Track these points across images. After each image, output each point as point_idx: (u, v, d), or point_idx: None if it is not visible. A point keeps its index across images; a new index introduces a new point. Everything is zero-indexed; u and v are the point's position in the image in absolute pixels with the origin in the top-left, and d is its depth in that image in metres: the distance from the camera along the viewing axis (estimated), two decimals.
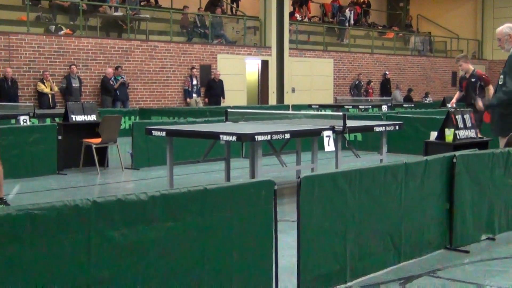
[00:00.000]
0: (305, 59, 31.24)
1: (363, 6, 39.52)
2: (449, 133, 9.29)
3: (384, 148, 11.13)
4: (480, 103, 12.13)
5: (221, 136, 8.80)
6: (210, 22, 28.02)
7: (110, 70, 23.27)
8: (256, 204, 5.21)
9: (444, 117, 9.53)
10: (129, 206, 4.48)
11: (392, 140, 15.70)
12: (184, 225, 4.78)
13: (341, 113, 9.95)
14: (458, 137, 9.31)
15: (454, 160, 7.02)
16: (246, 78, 28.49)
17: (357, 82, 32.86)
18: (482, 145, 9.43)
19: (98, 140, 13.41)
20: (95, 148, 13.37)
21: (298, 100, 29.67)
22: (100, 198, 4.38)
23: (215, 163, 12.88)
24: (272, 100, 29.54)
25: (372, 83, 33.95)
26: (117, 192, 10.01)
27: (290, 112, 17.43)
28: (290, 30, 31.13)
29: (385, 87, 34.34)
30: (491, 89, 13.20)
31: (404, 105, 25.04)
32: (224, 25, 29.18)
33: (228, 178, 10.92)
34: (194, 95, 25.95)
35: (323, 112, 17.72)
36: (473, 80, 13.47)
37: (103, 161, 13.89)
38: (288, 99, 29.80)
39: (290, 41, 30.88)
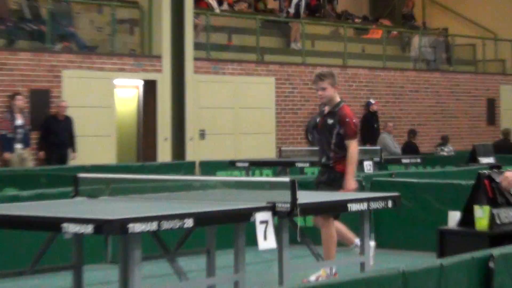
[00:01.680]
0: (224, 78, 20.86)
1: None
2: (481, 214, 7.37)
3: (368, 242, 8.24)
4: None
5: (65, 225, 6.53)
6: (49, 12, 18.91)
7: None
8: None
9: (473, 183, 7.78)
10: None
11: (382, 227, 11.48)
12: None
13: (288, 179, 7.41)
14: (497, 221, 7.49)
15: (492, 265, 5.70)
16: (117, 114, 19.22)
17: (318, 119, 19.58)
18: None
19: None
20: None
21: (211, 152, 19.70)
22: None
23: (55, 275, 9.31)
24: (164, 153, 19.61)
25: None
26: None
27: (196, 177, 13.64)
28: (196, 27, 20.92)
29: (369, 127, 22.58)
30: None
31: (403, 160, 17.73)
32: (75, 18, 19.68)
33: None
34: (18, 146, 17.32)
35: (256, 178, 14.33)
36: None
37: None
38: (194, 152, 19.60)
39: (197, 46, 20.30)
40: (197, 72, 19.42)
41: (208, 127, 19.51)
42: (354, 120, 9.11)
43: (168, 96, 19.24)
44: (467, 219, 7.51)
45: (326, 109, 9.15)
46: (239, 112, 20.52)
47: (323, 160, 9.12)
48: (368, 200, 7.98)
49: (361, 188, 10.68)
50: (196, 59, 19.58)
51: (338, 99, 9.11)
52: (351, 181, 8.93)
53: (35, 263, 7.88)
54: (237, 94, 20.42)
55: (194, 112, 19.40)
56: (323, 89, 8.99)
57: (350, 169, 8.89)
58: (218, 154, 19.11)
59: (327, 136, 9.08)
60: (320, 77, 9.06)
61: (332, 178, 9.03)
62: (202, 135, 18.76)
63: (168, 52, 19.13)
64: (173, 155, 19.23)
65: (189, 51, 19.38)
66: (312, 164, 14.09)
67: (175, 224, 6.85)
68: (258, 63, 21.39)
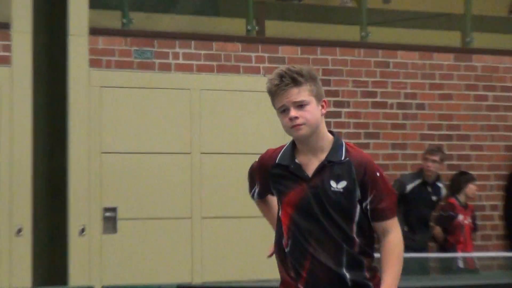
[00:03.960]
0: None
1: None
2: None
3: None
4: None
5: None
6: None
7: None
8: None
9: None
10: None
11: None
12: None
13: None
14: None
15: None
16: None
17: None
18: None
19: None
20: None
21: None
22: None
23: None
24: None
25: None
26: None
27: None
28: None
29: None
30: None
31: None
32: None
33: None
34: None
35: None
36: None
37: None
38: None
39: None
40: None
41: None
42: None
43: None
44: None
45: (306, 161, 3.87)
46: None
47: (329, 274, 3.79)
48: None
49: None
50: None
51: (329, 133, 3.92)
52: None
53: None
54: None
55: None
56: (300, 106, 3.78)
57: (393, 276, 3.78)
58: None
59: (336, 220, 3.79)
60: (294, 78, 3.79)
61: None
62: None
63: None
64: None
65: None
66: None
67: None
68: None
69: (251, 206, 4.52)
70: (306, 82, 3.76)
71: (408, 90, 10.19)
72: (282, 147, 3.93)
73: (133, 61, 9.45)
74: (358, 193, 3.78)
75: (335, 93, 9.86)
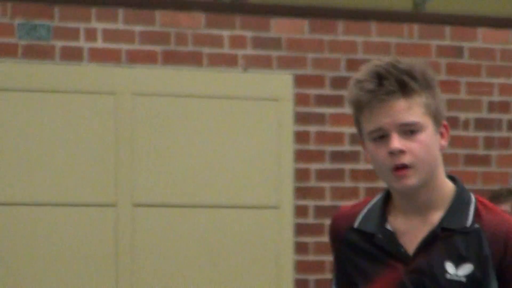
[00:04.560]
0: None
1: None
2: None
3: None
4: None
5: None
6: None
7: None
8: None
9: None
10: None
11: None
12: None
13: None
14: None
15: None
16: None
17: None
18: None
19: None
20: None
21: None
22: None
23: None
24: None
25: None
26: None
27: None
28: None
29: None
30: None
31: None
32: None
33: None
34: None
35: None
36: None
37: None
38: None
39: None
40: None
41: None
42: None
43: None
44: None
45: (405, 226, 2.34)
46: None
47: None
48: None
49: None
50: None
51: (447, 180, 2.35)
52: None
53: None
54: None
55: None
56: (410, 131, 2.20)
57: None
58: None
59: None
60: (404, 82, 2.22)
61: None
62: None
63: None
64: None
65: None
66: None
67: None
68: None
69: None
70: (421, 91, 2.19)
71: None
72: (366, 201, 2.42)
73: (17, 43, 5.69)
74: (493, 285, 2.25)
75: None
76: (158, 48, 5.76)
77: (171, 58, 5.77)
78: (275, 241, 5.80)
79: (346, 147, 5.94)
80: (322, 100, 5.89)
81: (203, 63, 5.80)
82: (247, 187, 5.80)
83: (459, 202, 2.30)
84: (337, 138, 5.92)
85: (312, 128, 5.89)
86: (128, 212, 5.66)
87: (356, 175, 5.86)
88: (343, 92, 5.88)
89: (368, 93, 2.19)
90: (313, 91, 5.89)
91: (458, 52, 5.99)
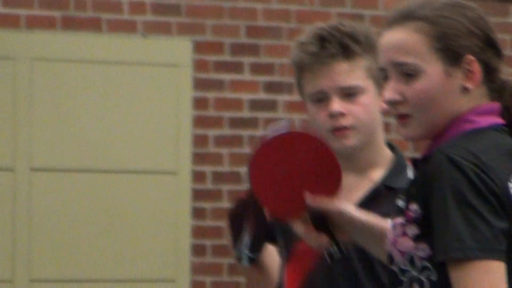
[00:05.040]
0: None
1: None
2: None
3: None
4: None
5: None
6: None
7: None
8: None
9: None
10: None
11: None
12: None
13: None
14: None
15: None
16: None
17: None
18: None
19: None
20: None
21: None
22: None
23: None
24: None
25: None
26: None
27: None
28: None
29: None
30: None
31: None
32: None
33: None
34: None
35: None
36: None
37: None
38: None
39: None
40: None
41: None
42: None
43: None
44: None
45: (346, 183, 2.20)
46: None
47: None
48: None
49: None
50: None
51: (386, 148, 2.39)
52: None
53: None
54: None
55: None
56: (350, 94, 2.25)
57: None
58: None
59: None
60: (346, 45, 2.25)
61: None
62: None
63: None
64: None
65: None
66: None
67: None
68: None
69: None
70: (364, 54, 2.22)
71: None
72: None
73: None
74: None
75: None
76: (57, 13, 5.72)
77: (70, 24, 5.74)
78: (173, 206, 5.83)
79: (245, 113, 5.95)
80: (221, 67, 5.88)
81: (103, 29, 5.78)
82: (145, 152, 5.82)
83: (399, 164, 2.33)
84: (236, 104, 5.92)
85: (211, 95, 5.89)
86: (26, 177, 5.69)
87: (254, 141, 5.89)
88: (243, 59, 5.87)
89: (310, 56, 2.21)
90: (212, 58, 5.88)
91: (358, 20, 5.98)
